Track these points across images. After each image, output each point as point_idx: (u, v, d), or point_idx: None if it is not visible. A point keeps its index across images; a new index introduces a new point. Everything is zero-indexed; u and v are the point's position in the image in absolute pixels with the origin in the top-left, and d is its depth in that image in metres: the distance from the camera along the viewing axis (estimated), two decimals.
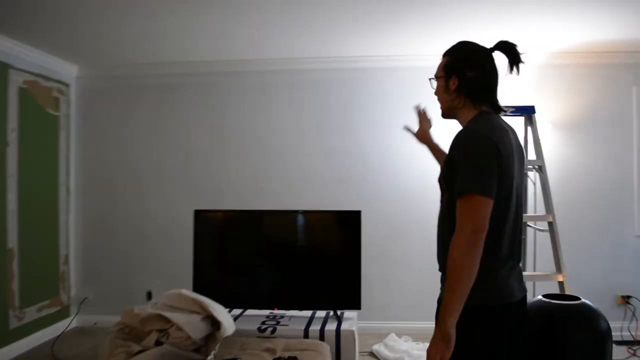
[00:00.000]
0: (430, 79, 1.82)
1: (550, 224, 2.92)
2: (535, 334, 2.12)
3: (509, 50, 1.72)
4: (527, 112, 3.21)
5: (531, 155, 3.34)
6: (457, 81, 1.70)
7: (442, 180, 1.73)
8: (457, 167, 1.57)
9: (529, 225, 3.46)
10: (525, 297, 1.72)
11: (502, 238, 1.62)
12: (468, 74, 1.69)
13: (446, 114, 1.80)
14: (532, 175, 3.52)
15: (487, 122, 1.64)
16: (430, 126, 2.20)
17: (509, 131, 1.67)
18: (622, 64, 4.23)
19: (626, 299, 4.15)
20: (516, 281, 1.67)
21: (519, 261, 1.71)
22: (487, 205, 1.51)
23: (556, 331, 2.08)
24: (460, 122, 1.76)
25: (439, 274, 1.74)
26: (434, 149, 2.18)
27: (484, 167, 1.53)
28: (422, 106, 2.21)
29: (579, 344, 2.05)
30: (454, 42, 1.78)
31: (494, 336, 1.61)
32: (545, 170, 3.05)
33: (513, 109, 2.87)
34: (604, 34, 3.72)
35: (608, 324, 2.12)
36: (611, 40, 3.84)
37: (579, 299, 2.22)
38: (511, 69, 1.71)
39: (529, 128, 3.25)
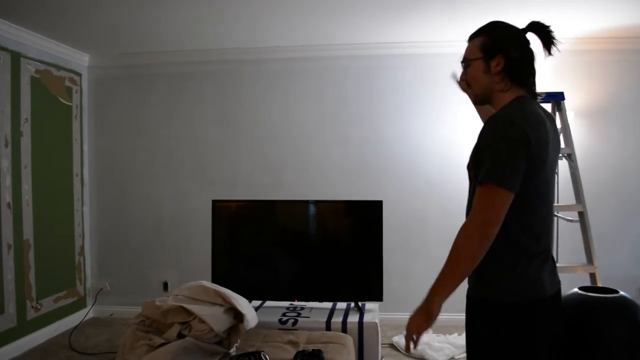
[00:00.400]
0: (462, 63, 1.70)
1: (581, 214, 2.84)
2: (572, 327, 2.05)
3: (542, 31, 1.62)
4: (555, 99, 3.12)
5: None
6: (504, 61, 1.58)
7: (470, 168, 1.63)
8: (483, 154, 1.49)
9: (556, 216, 3.37)
10: (559, 291, 1.63)
11: (534, 229, 1.55)
12: (513, 54, 1.58)
13: (481, 99, 1.69)
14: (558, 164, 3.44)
15: (523, 108, 1.54)
16: None
17: (547, 119, 1.57)
18: None
19: None
20: (548, 274, 1.59)
21: (550, 253, 1.64)
22: (506, 199, 1.44)
23: (595, 324, 2.01)
24: (495, 107, 1.65)
25: None
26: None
27: (509, 157, 1.45)
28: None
29: (619, 337, 1.98)
30: (478, 26, 1.68)
31: (524, 335, 1.52)
32: (575, 159, 2.96)
33: (545, 95, 2.78)
34: (627, 19, 3.60)
35: None
36: (633, 25, 3.72)
37: (616, 291, 2.14)
38: (549, 51, 1.62)
39: (558, 115, 3.15)
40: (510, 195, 1.45)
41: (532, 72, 1.63)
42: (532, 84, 1.63)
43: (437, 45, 4.12)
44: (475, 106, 1.92)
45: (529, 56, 1.62)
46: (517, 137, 1.45)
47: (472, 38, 1.68)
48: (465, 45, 1.71)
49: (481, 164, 1.49)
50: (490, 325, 1.55)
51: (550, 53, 1.62)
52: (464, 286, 1.61)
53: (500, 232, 1.47)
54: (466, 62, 1.68)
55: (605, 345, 1.99)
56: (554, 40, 1.61)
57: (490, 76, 1.61)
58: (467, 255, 1.47)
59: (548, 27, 1.62)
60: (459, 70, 1.79)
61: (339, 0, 3.26)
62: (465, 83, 1.73)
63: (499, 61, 1.58)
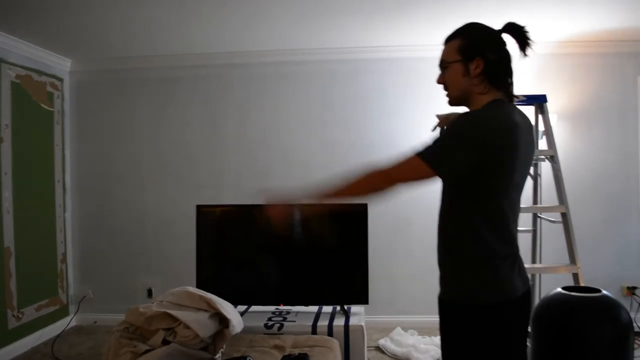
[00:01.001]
0: (440, 65, 1.68)
1: (564, 215, 2.87)
2: (556, 326, 2.07)
3: (518, 32, 1.61)
4: (538, 101, 3.15)
5: (542, 145, 3.28)
6: (483, 64, 1.57)
7: None
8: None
9: (539, 217, 3.41)
10: (528, 289, 1.65)
11: (504, 233, 1.56)
12: (491, 56, 1.58)
13: (457, 102, 1.68)
14: (531, 168, 3.47)
15: (495, 112, 1.53)
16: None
17: (520, 124, 1.55)
18: (626, 53, 4.17)
19: (632, 290, 4.13)
20: (518, 274, 1.60)
21: (519, 253, 1.65)
22: (424, 173, 1.51)
23: (578, 323, 2.03)
24: (472, 109, 1.64)
25: None
26: None
27: (451, 146, 1.49)
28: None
29: (602, 335, 2.01)
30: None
31: (499, 336, 1.53)
32: (558, 160, 2.99)
33: (524, 98, 2.81)
34: (607, 23, 3.65)
35: (629, 316, 2.08)
36: (614, 28, 3.78)
37: (599, 290, 2.17)
38: (524, 52, 1.61)
39: (540, 117, 3.18)
40: (428, 170, 1.50)
41: (509, 74, 1.62)
42: (510, 86, 1.63)
43: (423, 48, 4.14)
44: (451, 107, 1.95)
45: (507, 58, 1.61)
46: (471, 137, 1.47)
47: (449, 40, 1.67)
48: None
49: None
50: (463, 328, 1.56)
51: (525, 54, 1.61)
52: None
53: (470, 234, 1.52)
54: (444, 64, 1.66)
55: (589, 344, 2.02)
56: (529, 41, 1.61)
57: (469, 79, 1.60)
58: (365, 190, 1.65)
59: (523, 27, 1.61)
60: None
61: (327, 4, 3.26)
62: (443, 85, 1.71)
63: (478, 64, 1.57)
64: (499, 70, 1.59)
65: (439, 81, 1.70)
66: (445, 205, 1.64)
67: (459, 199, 1.59)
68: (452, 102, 1.71)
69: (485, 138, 1.46)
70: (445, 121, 2.01)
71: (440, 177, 1.53)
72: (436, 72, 1.70)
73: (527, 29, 1.61)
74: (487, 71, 1.58)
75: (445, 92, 1.70)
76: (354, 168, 1.65)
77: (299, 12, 3.43)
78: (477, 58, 1.57)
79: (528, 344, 2.85)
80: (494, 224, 1.54)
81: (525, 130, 1.58)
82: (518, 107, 1.65)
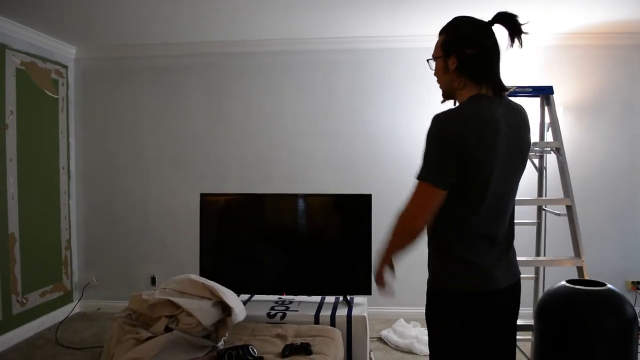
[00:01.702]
0: (428, 60, 1.71)
1: (569, 208, 2.84)
2: (560, 320, 2.06)
3: (509, 21, 1.59)
4: (544, 93, 3.11)
5: (548, 137, 3.26)
6: (456, 60, 1.59)
7: None
8: (423, 151, 1.56)
9: (544, 209, 3.39)
10: (517, 282, 1.70)
11: (487, 225, 1.60)
12: (467, 52, 1.58)
13: (446, 95, 1.72)
14: (536, 160, 3.44)
15: (469, 108, 1.56)
16: None
17: (500, 119, 1.54)
18: (634, 45, 4.12)
19: (636, 285, 4.11)
20: (504, 267, 1.64)
21: (508, 247, 1.68)
22: (438, 197, 1.53)
23: (583, 317, 2.02)
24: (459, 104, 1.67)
25: None
26: None
27: (440, 156, 1.52)
28: None
29: (606, 329, 2.00)
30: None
31: (475, 325, 1.58)
32: (563, 153, 2.96)
33: (516, 88, 2.77)
34: (616, 15, 3.61)
35: (634, 310, 2.06)
36: (623, 20, 3.74)
37: (604, 284, 2.15)
38: (512, 42, 1.59)
39: (547, 109, 3.15)
40: (442, 193, 1.52)
41: (492, 68, 1.60)
42: (492, 79, 1.60)
43: (425, 39, 4.06)
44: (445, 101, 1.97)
45: (489, 52, 1.59)
46: (447, 136, 1.51)
47: (439, 34, 1.69)
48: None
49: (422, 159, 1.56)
50: (445, 315, 1.62)
51: (513, 44, 1.60)
52: None
53: (455, 226, 1.58)
54: (432, 59, 1.70)
55: (593, 337, 2.01)
56: (521, 31, 1.59)
57: (449, 74, 1.63)
58: (397, 243, 1.66)
59: (514, 16, 1.60)
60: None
61: None
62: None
63: (453, 60, 1.60)
64: (475, 65, 1.58)
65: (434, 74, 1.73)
66: None
67: None
68: (443, 96, 1.74)
69: (459, 135, 1.49)
70: None
71: (448, 189, 1.54)
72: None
73: (518, 17, 1.60)
74: (461, 67, 1.59)
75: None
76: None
77: (304, 2, 3.40)
78: (453, 54, 1.60)
79: (531, 337, 2.85)
80: (477, 217, 1.57)
81: (512, 124, 1.58)
82: (511, 100, 1.65)
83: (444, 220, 1.59)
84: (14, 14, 3.57)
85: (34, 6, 3.41)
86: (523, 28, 1.59)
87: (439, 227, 1.63)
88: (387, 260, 1.72)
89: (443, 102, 1.76)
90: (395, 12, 3.62)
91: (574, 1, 3.33)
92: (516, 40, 1.59)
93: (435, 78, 1.72)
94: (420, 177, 1.55)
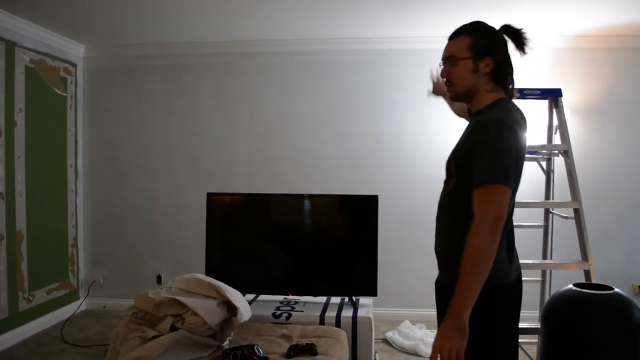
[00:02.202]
0: (447, 59, 1.69)
1: (576, 211, 2.83)
2: (567, 323, 2.05)
3: (514, 33, 1.67)
4: (553, 95, 3.10)
5: (556, 140, 3.24)
6: (492, 63, 1.63)
7: (453, 164, 1.69)
8: (481, 155, 1.52)
9: (551, 212, 3.37)
10: (519, 275, 1.72)
11: (507, 221, 1.62)
12: (501, 56, 1.65)
13: (461, 98, 1.72)
14: (544, 163, 3.43)
15: (510, 112, 1.61)
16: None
17: (523, 122, 1.66)
18: None
19: None
20: (512, 259, 1.68)
21: (513, 238, 1.72)
22: (507, 195, 1.50)
23: (589, 321, 2.01)
24: (474, 105, 1.70)
25: None
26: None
27: (509, 158, 1.51)
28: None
29: (613, 333, 1.98)
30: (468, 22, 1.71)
31: (485, 319, 1.56)
32: (571, 155, 2.95)
33: (519, 94, 2.78)
34: (624, 17, 3.59)
35: None
36: (628, 23, 3.72)
37: (611, 288, 2.14)
38: (523, 51, 1.66)
39: (555, 111, 3.14)
40: (510, 192, 1.52)
41: (511, 73, 1.69)
42: (512, 83, 1.70)
43: (435, 40, 4.06)
44: (447, 100, 2.04)
45: (510, 58, 1.68)
46: (513, 141, 1.53)
47: (457, 36, 1.69)
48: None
49: (478, 163, 1.52)
50: (481, 311, 1.57)
51: (523, 53, 1.67)
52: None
53: (469, 220, 1.52)
54: (452, 60, 1.68)
55: (599, 341, 2.00)
56: (526, 42, 1.66)
57: (478, 76, 1.65)
58: (485, 256, 1.46)
59: (520, 30, 1.66)
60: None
61: None
62: (447, 80, 1.73)
63: (488, 63, 1.63)
64: (505, 70, 1.66)
65: (444, 75, 1.73)
66: (448, 196, 1.72)
67: (461, 192, 1.60)
68: (454, 97, 1.75)
69: (519, 140, 1.55)
70: (439, 88, 2.11)
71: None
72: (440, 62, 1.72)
73: (524, 31, 1.66)
74: (495, 70, 1.64)
75: (448, 86, 1.73)
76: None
77: (311, 2, 3.40)
78: (488, 57, 1.63)
79: (537, 340, 2.84)
80: (510, 215, 1.60)
81: (526, 127, 1.68)
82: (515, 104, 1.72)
83: (462, 219, 1.56)
84: (23, 12, 3.59)
85: (43, 4, 3.43)
86: (527, 42, 1.66)
87: (458, 226, 1.58)
88: (470, 307, 1.47)
89: (454, 100, 1.79)
90: (403, 14, 3.62)
91: (581, 4, 3.32)
92: (521, 51, 1.68)
93: (447, 80, 1.72)
94: (487, 178, 1.49)
